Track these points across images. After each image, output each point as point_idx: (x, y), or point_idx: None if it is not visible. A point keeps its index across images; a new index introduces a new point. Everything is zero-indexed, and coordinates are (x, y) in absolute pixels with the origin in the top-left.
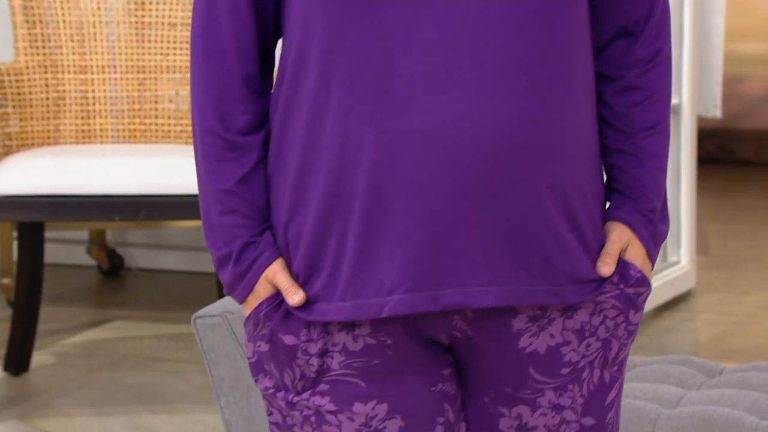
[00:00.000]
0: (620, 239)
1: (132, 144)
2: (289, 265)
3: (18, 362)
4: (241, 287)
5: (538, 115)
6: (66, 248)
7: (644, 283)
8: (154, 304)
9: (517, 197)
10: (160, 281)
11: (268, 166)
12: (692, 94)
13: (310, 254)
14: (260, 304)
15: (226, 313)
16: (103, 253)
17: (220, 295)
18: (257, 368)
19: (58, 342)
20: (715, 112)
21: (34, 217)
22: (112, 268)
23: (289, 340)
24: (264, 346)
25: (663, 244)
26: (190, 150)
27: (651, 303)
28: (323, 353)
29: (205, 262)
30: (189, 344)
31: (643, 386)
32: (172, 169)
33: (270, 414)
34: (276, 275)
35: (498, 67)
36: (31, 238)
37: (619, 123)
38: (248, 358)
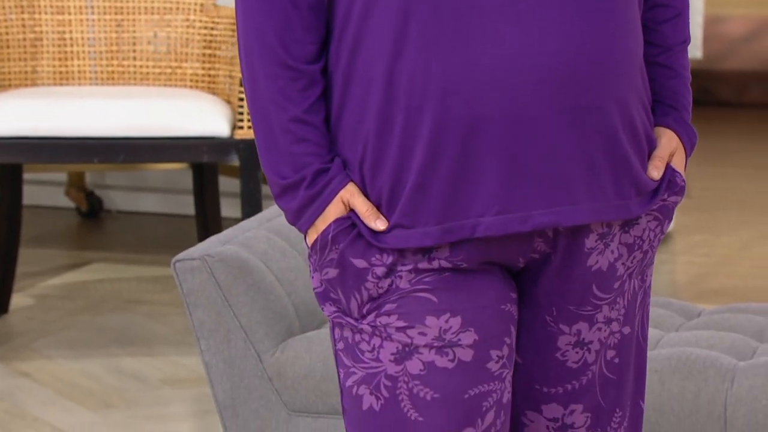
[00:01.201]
0: (670, 144)
1: (110, 86)
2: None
3: None
4: (312, 210)
5: (612, 39)
6: (44, 190)
7: (683, 192)
8: (133, 247)
9: (593, 119)
10: (140, 224)
11: (332, 102)
12: None
13: (393, 184)
14: (328, 226)
15: (206, 257)
16: (81, 195)
17: (200, 239)
18: (323, 297)
19: (38, 284)
20: (696, 53)
21: (12, 158)
22: (91, 211)
23: (359, 263)
24: (332, 272)
25: None
26: (168, 92)
27: None
28: (392, 273)
29: (185, 205)
30: (168, 287)
31: None
32: (151, 112)
33: (337, 342)
34: (353, 196)
35: None
36: (10, 179)
37: (652, 38)
38: (314, 289)
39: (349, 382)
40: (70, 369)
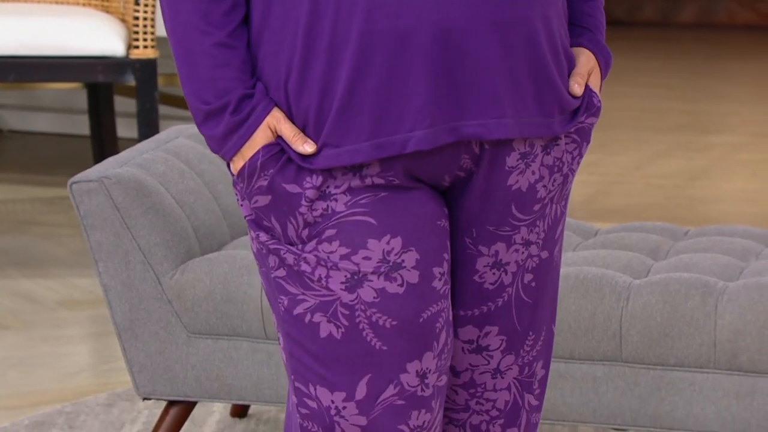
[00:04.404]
0: (588, 63)
1: (0, 2)
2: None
3: None
4: (237, 136)
5: None
6: None
7: (599, 113)
8: (26, 167)
9: (520, 33)
10: (33, 144)
11: (252, 25)
12: None
13: (320, 102)
14: (257, 152)
15: (104, 179)
16: None
17: (96, 159)
18: (256, 225)
19: None
20: None
21: None
22: None
23: (291, 188)
24: (262, 200)
25: None
26: (61, 10)
27: None
28: (326, 197)
29: (80, 125)
30: (63, 208)
31: None
32: (43, 30)
33: (274, 269)
34: (280, 122)
35: None
36: None
37: None
38: (245, 217)
39: (299, 309)
40: None
